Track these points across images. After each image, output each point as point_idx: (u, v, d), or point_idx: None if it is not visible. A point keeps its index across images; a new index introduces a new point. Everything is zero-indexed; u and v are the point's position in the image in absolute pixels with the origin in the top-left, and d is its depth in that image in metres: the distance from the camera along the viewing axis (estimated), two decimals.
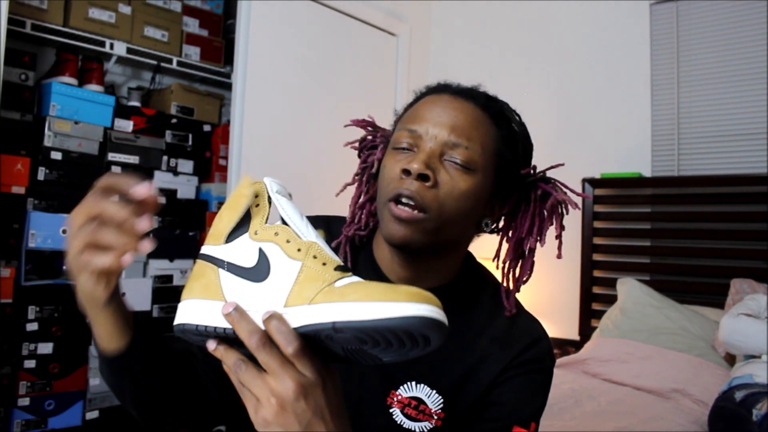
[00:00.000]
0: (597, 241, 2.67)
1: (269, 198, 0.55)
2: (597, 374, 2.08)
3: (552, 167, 0.86)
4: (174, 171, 2.69)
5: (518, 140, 0.80)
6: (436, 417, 0.74)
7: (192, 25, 2.83)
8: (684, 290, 2.43)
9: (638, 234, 2.58)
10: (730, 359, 2.00)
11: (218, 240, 0.54)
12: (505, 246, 0.84)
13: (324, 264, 0.51)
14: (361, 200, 0.87)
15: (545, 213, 0.81)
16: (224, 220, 0.55)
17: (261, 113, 2.40)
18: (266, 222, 0.53)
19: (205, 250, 0.55)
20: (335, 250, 0.72)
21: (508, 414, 0.74)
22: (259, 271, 0.51)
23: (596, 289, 2.66)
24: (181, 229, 2.68)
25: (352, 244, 0.85)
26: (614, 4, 2.77)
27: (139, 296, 2.51)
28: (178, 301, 0.57)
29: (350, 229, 0.84)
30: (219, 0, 3.03)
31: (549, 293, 2.78)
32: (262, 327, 0.49)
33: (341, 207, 0.94)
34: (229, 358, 0.51)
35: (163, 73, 2.80)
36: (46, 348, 2.20)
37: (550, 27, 2.95)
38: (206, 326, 0.52)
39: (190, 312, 0.54)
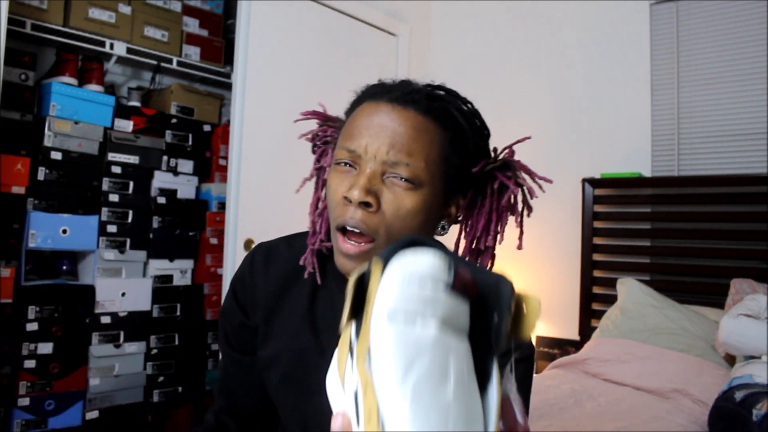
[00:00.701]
0: (597, 241, 2.67)
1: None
2: (597, 374, 2.08)
3: (517, 142, 0.80)
4: (174, 171, 2.69)
5: (467, 138, 0.75)
6: None
7: (192, 25, 2.83)
8: (684, 290, 2.43)
9: (638, 234, 2.58)
10: (730, 359, 1.99)
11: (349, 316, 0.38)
12: (462, 241, 0.80)
13: None
14: (320, 207, 0.82)
15: (502, 208, 0.77)
16: (349, 299, 0.37)
17: (261, 113, 2.40)
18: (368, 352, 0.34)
19: (349, 324, 0.39)
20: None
21: None
22: (356, 406, 0.36)
23: (596, 289, 2.66)
24: (181, 229, 2.68)
25: (320, 254, 0.81)
26: (614, 4, 2.77)
27: (139, 296, 2.51)
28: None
29: (314, 240, 0.80)
30: (219, 0, 3.03)
31: (549, 293, 2.78)
32: None
33: None
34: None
35: (163, 73, 2.80)
36: (46, 348, 2.20)
37: (550, 27, 2.95)
38: None
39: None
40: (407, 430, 0.31)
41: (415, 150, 0.69)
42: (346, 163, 0.71)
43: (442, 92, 0.76)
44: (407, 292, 0.33)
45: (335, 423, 0.38)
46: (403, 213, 0.69)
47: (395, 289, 0.33)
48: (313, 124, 0.88)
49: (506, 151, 0.79)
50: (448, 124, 0.73)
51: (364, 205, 0.68)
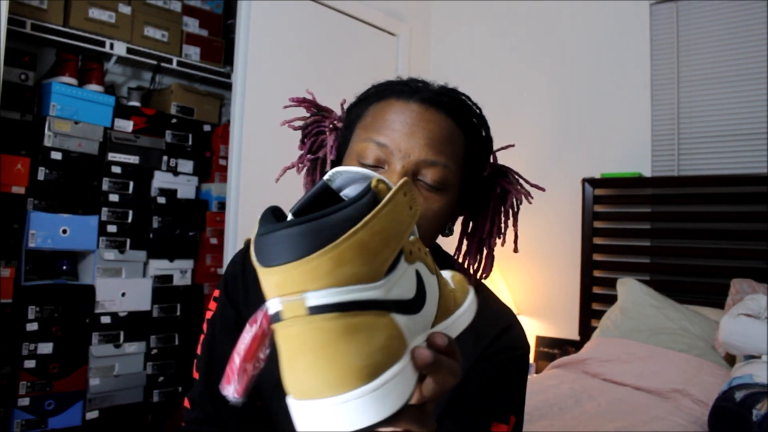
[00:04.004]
0: (597, 241, 2.67)
1: None
2: (597, 374, 2.08)
3: (502, 148, 0.82)
4: (174, 171, 2.69)
5: (481, 145, 0.75)
6: None
7: (192, 25, 2.83)
8: (684, 290, 2.43)
9: (638, 234, 2.58)
10: (730, 359, 2.00)
11: (373, 275, 0.37)
12: (464, 242, 0.81)
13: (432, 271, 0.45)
14: None
15: (503, 213, 0.79)
16: (381, 247, 0.37)
17: (261, 113, 2.40)
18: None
19: (356, 294, 0.36)
20: None
21: (485, 409, 0.70)
22: (418, 300, 0.42)
23: (596, 289, 2.66)
24: (181, 229, 2.68)
25: None
26: (614, 4, 2.76)
27: (139, 296, 2.51)
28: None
29: None
30: (219, 0, 3.03)
31: (549, 293, 2.78)
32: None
33: None
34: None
35: (163, 73, 2.80)
36: (46, 348, 2.20)
37: (550, 27, 2.95)
38: None
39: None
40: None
41: (448, 152, 0.69)
42: (371, 164, 0.68)
43: (455, 95, 0.75)
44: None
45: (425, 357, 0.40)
46: (430, 215, 0.68)
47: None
48: (300, 115, 0.87)
49: (491, 157, 0.80)
50: (468, 130, 0.73)
51: None
